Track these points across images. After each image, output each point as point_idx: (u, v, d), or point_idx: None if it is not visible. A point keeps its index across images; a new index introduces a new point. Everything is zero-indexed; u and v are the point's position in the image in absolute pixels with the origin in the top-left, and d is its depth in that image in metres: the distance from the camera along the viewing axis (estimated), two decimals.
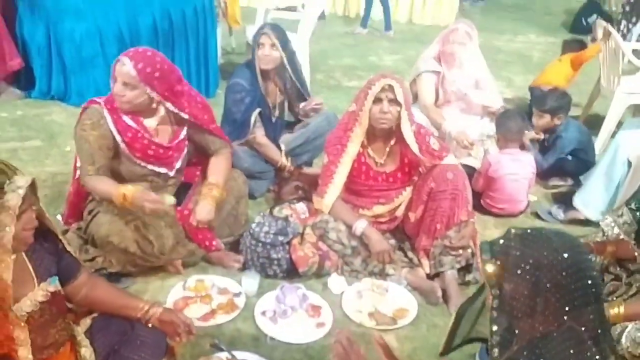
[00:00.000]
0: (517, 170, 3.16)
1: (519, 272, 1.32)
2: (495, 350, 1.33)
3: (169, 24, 4.14)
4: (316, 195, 2.64)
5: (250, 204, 2.89)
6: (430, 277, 2.56)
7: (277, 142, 3.14)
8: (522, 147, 3.29)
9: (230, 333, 2.22)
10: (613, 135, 3.52)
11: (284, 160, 3.08)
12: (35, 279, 1.56)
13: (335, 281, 2.50)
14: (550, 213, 3.23)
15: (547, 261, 1.30)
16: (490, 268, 1.35)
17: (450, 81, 3.47)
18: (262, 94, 3.04)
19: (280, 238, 2.49)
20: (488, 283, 1.37)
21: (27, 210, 1.48)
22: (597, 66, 4.43)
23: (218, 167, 2.56)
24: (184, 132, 2.48)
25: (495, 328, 1.35)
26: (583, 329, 1.30)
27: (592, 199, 3.12)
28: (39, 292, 1.55)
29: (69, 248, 1.71)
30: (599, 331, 1.33)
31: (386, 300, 2.40)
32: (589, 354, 1.29)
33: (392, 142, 2.60)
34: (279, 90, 3.13)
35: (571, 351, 1.29)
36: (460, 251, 2.51)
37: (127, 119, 2.32)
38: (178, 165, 2.48)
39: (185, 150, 2.51)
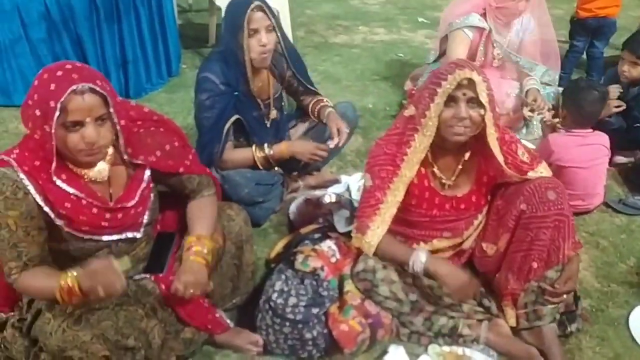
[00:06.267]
0: (592, 156, 2.45)
1: None
2: None
3: None
4: (356, 230, 1.90)
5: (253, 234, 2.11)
6: (514, 330, 1.89)
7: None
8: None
9: None
10: None
11: (257, 153, 2.25)
12: None
13: (396, 357, 1.80)
14: (625, 203, 2.59)
15: None
16: None
17: (499, 42, 2.73)
18: (248, 93, 2.21)
19: (314, 311, 1.75)
20: None
21: None
22: None
23: (201, 213, 1.78)
24: (147, 175, 1.66)
25: None
26: None
27: None
28: None
29: None
30: None
31: None
32: None
33: (467, 156, 1.86)
34: (272, 81, 2.29)
35: None
36: (564, 296, 1.84)
37: (60, 183, 1.48)
38: (146, 219, 1.67)
39: (152, 197, 1.70)
